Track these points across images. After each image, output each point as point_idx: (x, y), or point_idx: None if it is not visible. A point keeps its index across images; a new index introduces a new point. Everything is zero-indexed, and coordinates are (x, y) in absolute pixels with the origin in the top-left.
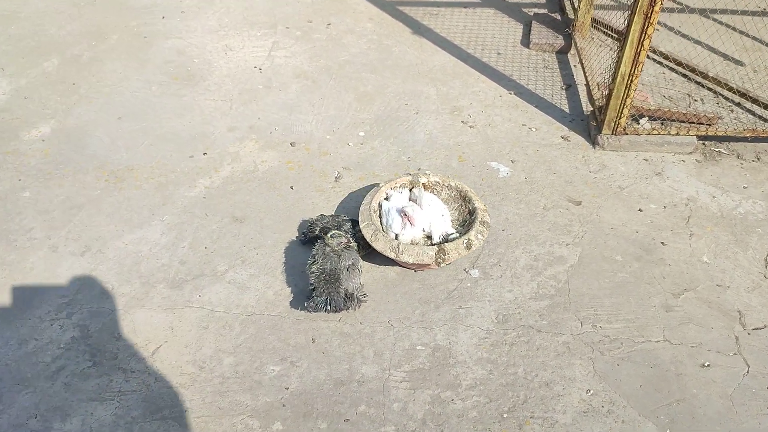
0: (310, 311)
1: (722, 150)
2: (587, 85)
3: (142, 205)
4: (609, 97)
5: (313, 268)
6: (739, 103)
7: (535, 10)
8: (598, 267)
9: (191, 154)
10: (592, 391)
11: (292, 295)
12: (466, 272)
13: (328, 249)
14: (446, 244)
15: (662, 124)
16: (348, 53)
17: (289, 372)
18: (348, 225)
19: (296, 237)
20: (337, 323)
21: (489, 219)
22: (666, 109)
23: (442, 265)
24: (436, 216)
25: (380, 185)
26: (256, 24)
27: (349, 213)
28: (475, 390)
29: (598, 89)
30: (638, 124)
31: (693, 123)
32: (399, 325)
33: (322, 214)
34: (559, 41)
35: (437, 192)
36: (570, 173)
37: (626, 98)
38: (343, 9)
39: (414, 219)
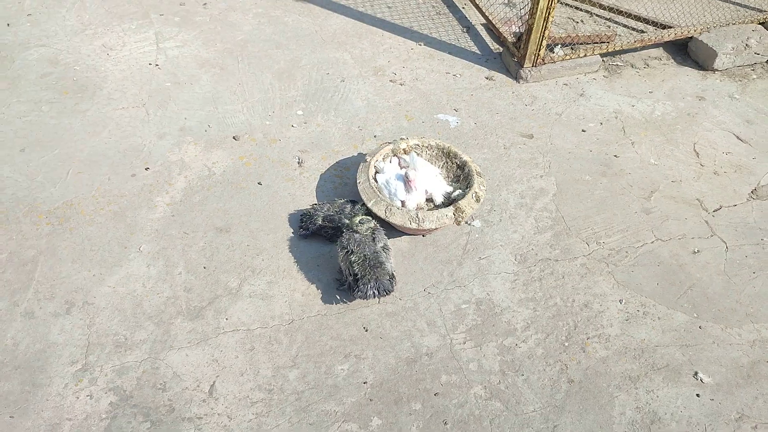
0: (357, 299)
1: (619, 63)
2: (488, 24)
3: (108, 240)
4: (529, 31)
5: (353, 257)
6: (610, 18)
7: None
8: (575, 190)
9: (132, 172)
10: (623, 300)
11: (320, 291)
12: (469, 224)
13: (358, 236)
14: (460, 202)
15: (572, 49)
16: (242, 32)
17: (358, 366)
18: (349, 207)
19: (293, 233)
20: (379, 306)
21: (480, 168)
22: (574, 35)
23: (461, 224)
24: (431, 177)
25: (366, 159)
26: (125, 15)
27: (328, 195)
28: (531, 329)
29: (505, 26)
30: (553, 53)
31: (596, 43)
32: (435, 291)
33: (315, 204)
34: None
35: (419, 154)
36: (510, 110)
37: (545, 30)
38: None
39: (415, 182)
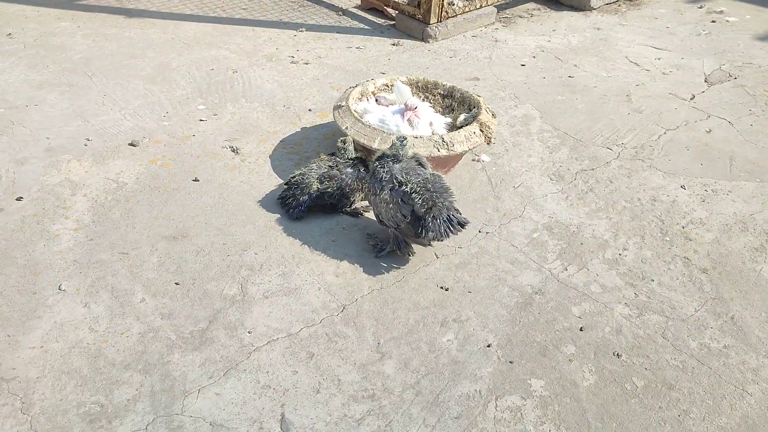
0: (410, 256)
1: (508, 15)
2: (365, 3)
3: (3, 287)
4: None
5: (407, 188)
6: None
7: None
8: (558, 109)
9: None
10: (685, 186)
11: (356, 265)
12: (479, 161)
13: (399, 165)
14: (481, 116)
15: (468, 0)
16: (76, 51)
17: (468, 330)
18: (342, 158)
19: (276, 219)
20: (441, 262)
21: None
22: None
23: (492, 142)
24: (427, 108)
25: (341, 104)
26: None
27: (288, 173)
28: (621, 236)
29: None
30: (453, 5)
31: None
32: (493, 229)
33: (295, 174)
34: None
35: (389, 94)
36: (437, 64)
37: None
38: (5, 19)
39: (420, 111)
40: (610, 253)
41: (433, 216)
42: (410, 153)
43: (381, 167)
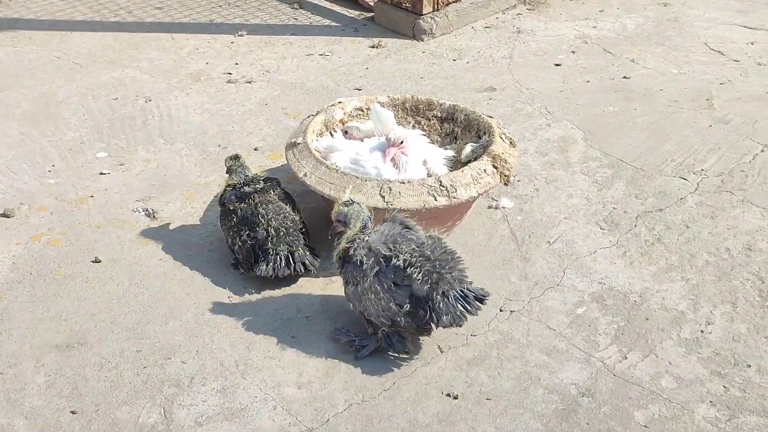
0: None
1: None
2: None
3: None
4: None
5: (397, 261)
6: None
7: None
8: (609, 125)
9: None
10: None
11: (327, 370)
12: (498, 208)
13: (377, 233)
14: (494, 146)
15: None
16: None
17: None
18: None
19: (212, 307)
20: (447, 356)
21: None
22: None
23: (511, 181)
24: (417, 139)
25: (297, 141)
26: None
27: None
28: (703, 305)
29: None
30: None
31: None
32: (520, 306)
33: (256, 232)
34: None
35: (364, 121)
36: (438, 71)
37: None
38: None
39: (408, 146)
40: (688, 329)
41: (443, 293)
42: (365, 212)
43: (352, 246)
